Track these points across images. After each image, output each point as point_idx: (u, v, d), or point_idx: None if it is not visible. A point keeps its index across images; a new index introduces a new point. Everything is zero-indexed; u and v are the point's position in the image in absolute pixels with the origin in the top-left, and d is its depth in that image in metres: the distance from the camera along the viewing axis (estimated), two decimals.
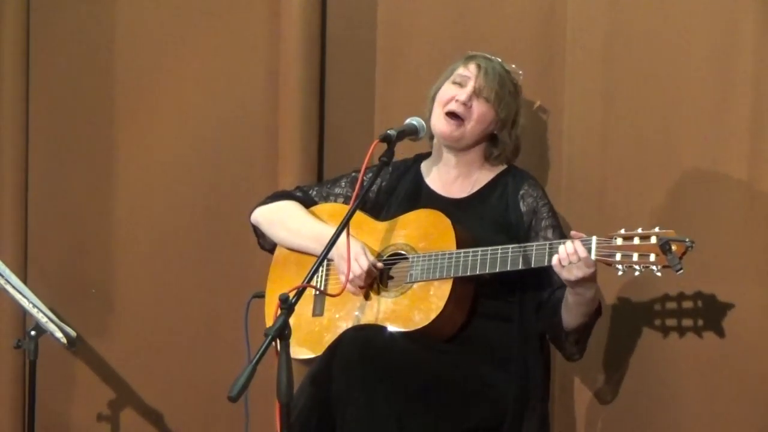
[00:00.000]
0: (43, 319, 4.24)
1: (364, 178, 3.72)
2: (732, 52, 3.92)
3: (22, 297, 4.26)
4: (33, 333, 4.28)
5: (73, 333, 4.31)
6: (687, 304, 3.92)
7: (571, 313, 3.64)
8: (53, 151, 4.78)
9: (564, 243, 3.51)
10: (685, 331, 3.93)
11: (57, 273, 4.76)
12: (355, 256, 3.68)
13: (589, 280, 3.53)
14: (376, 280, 3.74)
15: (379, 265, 3.73)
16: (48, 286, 4.63)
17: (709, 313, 3.89)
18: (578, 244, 3.49)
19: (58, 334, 4.26)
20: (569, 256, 3.49)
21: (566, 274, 3.51)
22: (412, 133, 3.75)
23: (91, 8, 4.74)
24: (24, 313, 4.57)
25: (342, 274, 3.69)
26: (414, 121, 3.77)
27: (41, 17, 4.76)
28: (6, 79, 4.75)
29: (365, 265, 3.68)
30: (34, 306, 4.25)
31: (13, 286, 4.27)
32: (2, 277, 4.26)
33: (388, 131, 3.66)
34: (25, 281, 4.48)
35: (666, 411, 3.99)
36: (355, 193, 3.72)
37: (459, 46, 4.21)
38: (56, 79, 4.77)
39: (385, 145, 3.65)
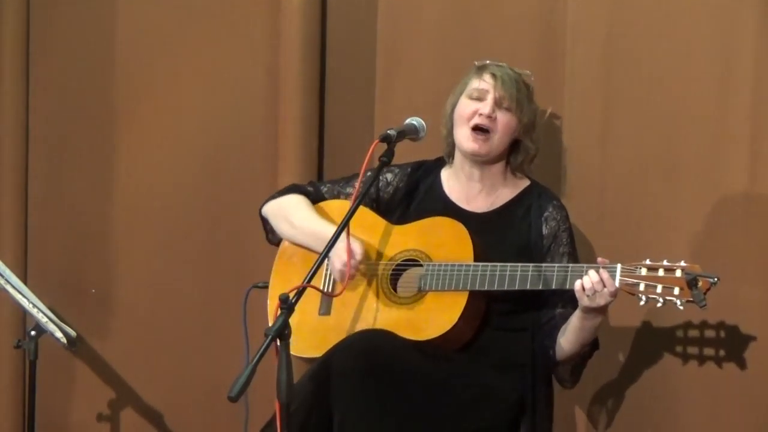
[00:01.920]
0: (43, 319, 4.24)
1: (366, 178, 3.73)
2: (732, 52, 3.92)
3: (22, 297, 4.25)
4: (33, 333, 4.28)
5: (73, 333, 4.31)
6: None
7: (569, 340, 3.64)
8: (53, 151, 4.77)
9: (589, 271, 3.49)
10: (685, 336, 3.93)
11: (57, 273, 4.75)
12: (338, 252, 3.67)
13: (605, 308, 3.53)
14: (386, 284, 3.73)
15: (359, 249, 3.69)
16: (48, 286, 4.63)
17: (710, 314, 3.89)
18: (605, 273, 3.48)
19: (58, 334, 4.25)
20: (595, 285, 3.48)
21: (588, 302, 3.50)
22: (412, 133, 3.74)
23: (91, 8, 4.73)
24: (24, 313, 4.57)
25: (334, 271, 3.68)
26: (414, 121, 3.76)
27: (41, 17, 4.76)
28: (6, 79, 4.75)
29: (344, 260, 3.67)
30: (34, 306, 4.25)
31: (13, 286, 4.26)
32: (2, 277, 4.25)
33: (388, 131, 3.66)
34: (25, 281, 4.48)
35: (665, 411, 3.99)
36: (354, 194, 3.73)
37: (459, 46, 4.22)
38: (56, 79, 4.77)
39: (385, 145, 3.65)
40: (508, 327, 3.70)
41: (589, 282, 3.48)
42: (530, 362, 3.66)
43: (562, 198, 3.95)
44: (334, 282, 3.79)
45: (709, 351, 3.90)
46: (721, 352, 3.89)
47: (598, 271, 3.49)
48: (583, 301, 3.50)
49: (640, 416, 4.03)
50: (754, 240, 3.89)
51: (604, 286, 3.48)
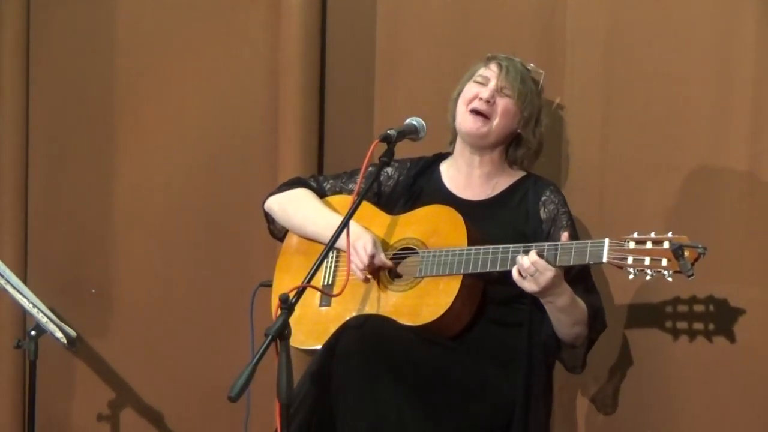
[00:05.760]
0: (43, 319, 4.24)
1: (368, 173, 3.76)
2: (732, 52, 3.92)
3: (22, 297, 4.26)
4: (33, 333, 4.28)
5: (73, 333, 4.31)
6: (687, 305, 3.92)
7: (555, 326, 3.64)
8: (53, 151, 4.78)
9: (523, 257, 3.50)
10: (686, 331, 3.93)
11: (57, 273, 4.76)
12: (364, 244, 3.69)
13: (552, 287, 3.53)
14: (384, 274, 3.74)
15: (388, 263, 3.73)
16: (48, 286, 4.63)
17: (710, 314, 3.89)
18: (537, 259, 3.48)
19: (58, 334, 4.25)
20: (526, 269, 3.50)
21: (527, 287, 3.52)
22: (412, 133, 3.76)
23: (91, 8, 4.74)
24: (24, 313, 4.57)
25: (352, 263, 3.71)
26: (414, 121, 3.77)
27: (41, 17, 4.76)
28: (6, 79, 4.75)
29: (371, 251, 3.69)
30: (34, 306, 4.25)
31: (13, 286, 4.26)
32: (2, 277, 4.25)
33: (388, 131, 3.67)
34: (25, 281, 4.48)
35: (666, 411, 3.99)
36: (355, 192, 3.74)
37: (459, 46, 4.22)
38: (56, 79, 4.77)
39: (385, 145, 3.66)
40: (504, 321, 3.71)
41: (522, 267, 3.50)
42: (526, 356, 3.66)
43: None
44: (335, 274, 3.81)
45: (709, 352, 3.90)
46: (722, 353, 3.89)
47: (529, 255, 3.49)
48: (523, 285, 3.52)
49: (639, 421, 4.03)
50: (754, 239, 3.89)
51: (537, 269, 3.49)
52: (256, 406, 3.73)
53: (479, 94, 3.82)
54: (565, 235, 3.57)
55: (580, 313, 3.64)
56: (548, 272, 3.50)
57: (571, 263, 3.52)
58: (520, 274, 3.51)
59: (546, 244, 3.57)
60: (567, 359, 3.75)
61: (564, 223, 3.77)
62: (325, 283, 3.82)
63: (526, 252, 3.54)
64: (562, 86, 4.11)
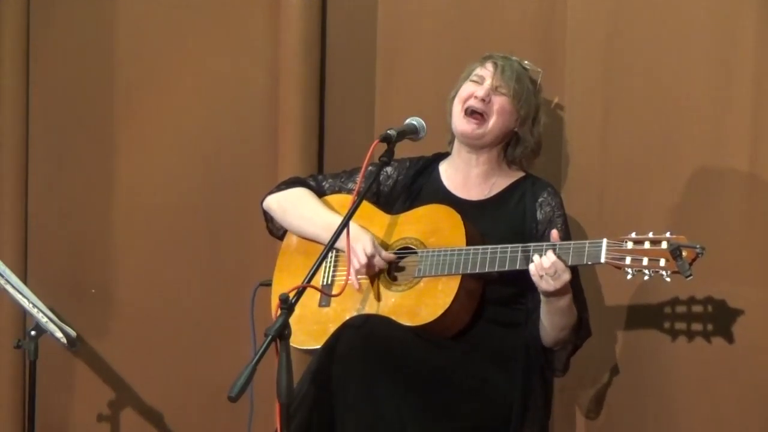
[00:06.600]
0: (43, 319, 4.24)
1: (368, 172, 3.76)
2: (732, 52, 3.93)
3: (22, 297, 4.26)
4: (33, 333, 4.28)
5: (73, 333, 4.31)
6: (686, 306, 3.92)
7: (544, 326, 3.65)
8: (53, 151, 4.78)
9: (544, 255, 3.51)
10: (686, 331, 3.93)
11: (57, 273, 4.75)
12: (363, 246, 3.69)
13: (565, 288, 3.54)
14: (383, 274, 3.75)
15: (391, 256, 3.74)
16: (48, 286, 4.63)
17: (710, 314, 3.89)
18: (556, 259, 3.49)
19: (58, 334, 4.26)
20: (546, 269, 3.50)
21: (544, 285, 3.53)
22: (412, 133, 3.76)
23: (91, 8, 4.74)
24: (24, 313, 4.57)
25: (351, 266, 3.71)
26: (414, 121, 3.77)
27: (41, 17, 4.76)
28: (6, 79, 4.75)
29: (371, 252, 3.70)
30: (34, 306, 4.25)
31: (13, 286, 4.26)
32: (2, 277, 4.25)
33: (388, 131, 3.68)
34: (25, 281, 4.48)
35: (666, 411, 3.99)
36: (355, 192, 3.75)
37: (459, 46, 4.22)
38: (56, 79, 4.77)
39: (384, 145, 3.66)
40: (503, 321, 3.72)
41: (541, 266, 3.50)
42: (525, 356, 3.66)
43: (563, 198, 3.95)
44: (334, 274, 3.81)
45: (709, 353, 3.90)
46: (722, 354, 3.89)
47: (548, 255, 3.50)
48: (541, 285, 3.53)
49: (638, 422, 4.04)
50: (753, 239, 3.89)
51: (556, 270, 3.50)
52: (256, 406, 3.73)
53: (475, 92, 3.82)
54: (554, 233, 3.58)
55: (572, 317, 3.65)
56: (566, 274, 3.51)
57: (570, 263, 3.53)
58: (538, 273, 3.52)
59: (544, 244, 3.59)
60: (554, 360, 3.75)
61: (559, 226, 3.77)
62: (325, 283, 3.82)
63: (525, 252, 3.55)
64: (561, 86, 4.11)
